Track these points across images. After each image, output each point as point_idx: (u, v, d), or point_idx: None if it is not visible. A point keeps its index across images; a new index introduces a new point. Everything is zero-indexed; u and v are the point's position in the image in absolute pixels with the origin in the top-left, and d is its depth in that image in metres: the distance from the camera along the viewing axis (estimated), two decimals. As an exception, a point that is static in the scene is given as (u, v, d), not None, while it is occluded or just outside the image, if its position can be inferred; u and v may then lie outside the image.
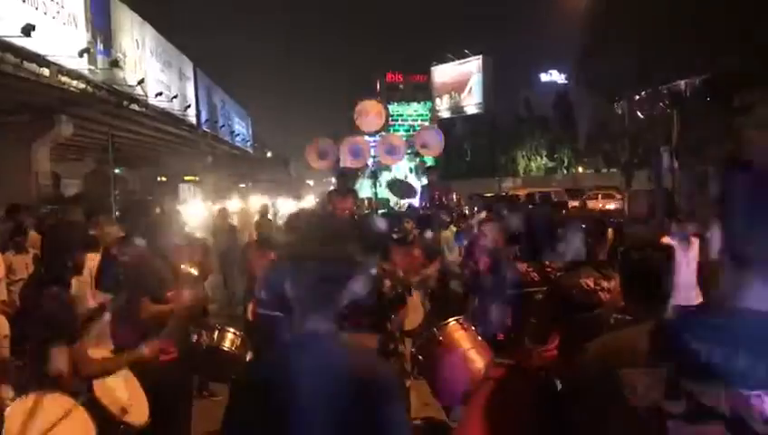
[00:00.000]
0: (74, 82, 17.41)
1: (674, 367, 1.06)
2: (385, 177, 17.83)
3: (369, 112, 14.17)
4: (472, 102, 52.93)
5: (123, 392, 3.30)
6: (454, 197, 11.24)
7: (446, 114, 54.13)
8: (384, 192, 15.23)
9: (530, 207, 11.52)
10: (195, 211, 17.38)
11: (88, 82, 18.13)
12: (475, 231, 6.80)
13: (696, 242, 5.74)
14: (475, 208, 10.31)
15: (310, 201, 21.67)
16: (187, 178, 33.67)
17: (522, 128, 50.20)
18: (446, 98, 54.77)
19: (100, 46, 19.47)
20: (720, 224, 1.13)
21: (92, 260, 4.83)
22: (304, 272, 1.76)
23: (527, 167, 49.31)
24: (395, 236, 6.27)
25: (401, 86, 60.95)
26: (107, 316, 3.68)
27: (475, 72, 52.50)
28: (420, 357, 4.03)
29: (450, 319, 4.07)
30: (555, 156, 48.00)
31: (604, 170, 40.84)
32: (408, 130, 47.86)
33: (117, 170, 26.58)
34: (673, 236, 5.72)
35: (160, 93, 24.54)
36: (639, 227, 10.50)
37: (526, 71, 61.34)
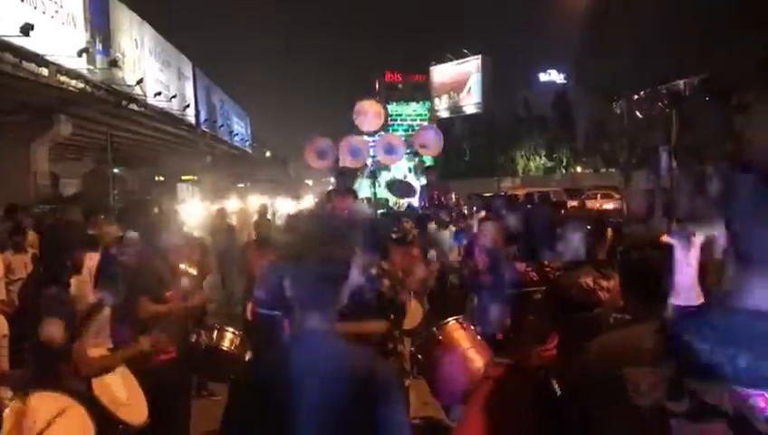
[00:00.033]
0: (73, 82, 17.41)
1: (677, 366, 1.06)
2: (384, 176, 17.81)
3: (368, 112, 14.20)
4: (471, 102, 52.88)
5: (122, 392, 3.30)
6: (453, 196, 11.23)
7: (444, 114, 54.07)
8: (383, 192, 15.22)
9: (529, 206, 11.51)
10: (193, 211, 17.33)
11: (87, 81, 18.14)
12: (474, 231, 6.80)
13: (696, 242, 5.74)
14: (474, 208, 10.31)
15: (309, 201, 21.65)
16: (185, 177, 33.69)
17: (520, 128, 50.23)
18: (444, 98, 54.71)
19: (99, 46, 19.47)
20: (722, 223, 1.13)
21: (92, 259, 4.83)
22: (304, 271, 1.76)
23: (526, 167, 49.34)
24: (394, 235, 6.27)
25: (400, 86, 60.81)
26: (106, 311, 3.68)
27: (473, 72, 52.44)
28: (419, 356, 4.03)
29: (450, 318, 4.07)
30: (554, 156, 48.02)
31: (603, 170, 40.82)
32: (406, 130, 47.72)
33: (116, 170, 26.64)
34: (673, 236, 5.72)
35: (159, 93, 24.54)
36: (638, 227, 10.50)
37: (525, 71, 61.55)
